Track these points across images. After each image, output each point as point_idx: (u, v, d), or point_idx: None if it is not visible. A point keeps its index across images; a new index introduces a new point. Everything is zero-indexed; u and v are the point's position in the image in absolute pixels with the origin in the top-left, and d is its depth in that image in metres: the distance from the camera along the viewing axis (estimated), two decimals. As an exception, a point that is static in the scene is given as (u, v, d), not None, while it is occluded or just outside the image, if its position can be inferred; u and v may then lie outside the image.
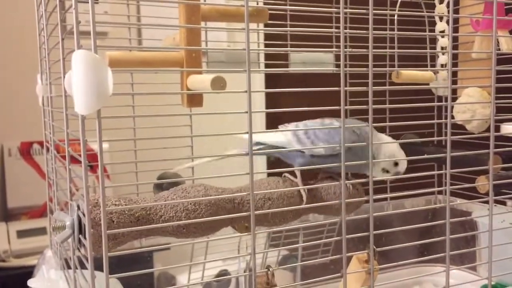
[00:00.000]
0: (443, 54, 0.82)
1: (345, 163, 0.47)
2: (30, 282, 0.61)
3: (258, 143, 0.59)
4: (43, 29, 0.62)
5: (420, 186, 0.90)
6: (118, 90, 0.39)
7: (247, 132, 0.43)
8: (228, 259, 0.89)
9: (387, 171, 0.58)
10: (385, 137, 0.58)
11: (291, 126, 0.60)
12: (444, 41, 0.80)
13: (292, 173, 0.58)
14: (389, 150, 0.57)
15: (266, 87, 1.43)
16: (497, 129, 0.95)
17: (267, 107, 1.42)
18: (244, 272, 0.84)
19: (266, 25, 0.59)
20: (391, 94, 0.94)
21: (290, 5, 0.89)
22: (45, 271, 0.67)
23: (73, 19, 0.37)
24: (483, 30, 0.72)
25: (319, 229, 0.90)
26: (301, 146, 0.57)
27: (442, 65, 0.82)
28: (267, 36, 1.05)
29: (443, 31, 0.80)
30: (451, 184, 0.54)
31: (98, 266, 0.39)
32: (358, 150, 0.52)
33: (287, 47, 0.91)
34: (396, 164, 0.58)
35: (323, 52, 0.90)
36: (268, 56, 1.08)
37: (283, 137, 0.59)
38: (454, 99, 0.78)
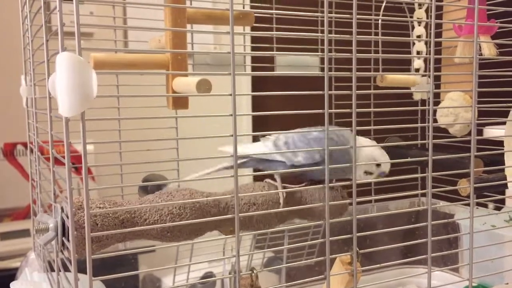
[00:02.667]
0: (418, 58, 0.83)
1: (328, 167, 0.47)
2: (13, 285, 0.61)
3: (242, 157, 0.59)
4: (27, 30, 0.62)
5: (404, 189, 0.91)
6: (103, 92, 0.39)
7: (232, 135, 0.43)
8: (214, 261, 0.89)
9: (370, 173, 0.59)
10: (365, 141, 0.59)
11: (273, 137, 0.60)
12: (420, 46, 0.81)
13: (273, 179, 0.58)
14: (369, 153, 0.59)
15: (253, 90, 1.44)
16: (480, 132, 0.97)
17: (253, 110, 1.42)
18: (229, 274, 0.84)
19: (252, 28, 0.59)
20: (376, 97, 0.95)
21: (276, 8, 0.90)
22: (28, 273, 0.67)
23: (57, 20, 0.37)
24: (465, 35, 0.73)
25: (304, 231, 0.91)
26: (281, 156, 0.57)
27: (416, 70, 0.82)
28: (254, 39, 1.05)
29: (420, 36, 0.81)
30: (434, 187, 0.55)
31: (82, 269, 0.39)
32: (339, 156, 0.53)
33: (273, 50, 0.91)
34: (378, 165, 0.59)
35: (308, 55, 0.91)
36: (254, 59, 1.08)
37: (265, 148, 0.59)
38: (436, 103, 0.79)
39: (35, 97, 0.63)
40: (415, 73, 0.80)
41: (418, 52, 0.82)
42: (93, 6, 1.07)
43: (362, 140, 0.58)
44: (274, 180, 0.58)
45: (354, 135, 0.48)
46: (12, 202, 1.27)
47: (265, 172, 0.58)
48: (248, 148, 0.61)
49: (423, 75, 0.78)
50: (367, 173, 0.59)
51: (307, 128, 0.59)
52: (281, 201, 0.56)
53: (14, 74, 0.83)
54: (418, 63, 0.81)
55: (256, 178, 0.61)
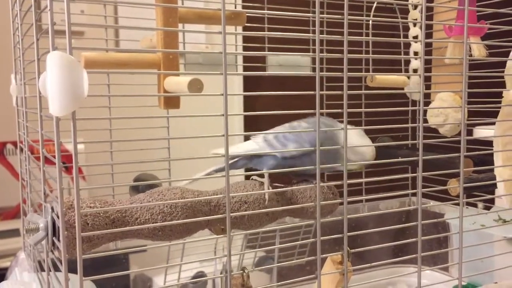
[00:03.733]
0: (415, 59, 0.83)
1: (319, 168, 0.48)
2: (2, 285, 0.60)
3: (233, 157, 0.60)
4: (17, 29, 0.62)
5: (395, 189, 0.92)
6: (94, 91, 0.39)
7: (223, 135, 0.43)
8: (205, 261, 0.89)
9: (354, 162, 0.58)
10: (353, 133, 0.58)
11: (262, 134, 0.61)
12: (417, 46, 0.82)
13: (262, 176, 0.58)
14: (353, 141, 0.57)
15: (245, 89, 1.44)
16: (470, 133, 0.98)
17: (245, 109, 1.42)
18: (221, 273, 0.84)
19: (244, 28, 0.59)
20: (367, 97, 0.96)
21: (268, 9, 0.90)
22: (18, 273, 0.66)
23: (48, 19, 0.37)
24: (455, 36, 0.73)
25: (295, 231, 0.91)
26: (272, 149, 0.58)
27: (414, 70, 0.83)
28: (245, 39, 1.05)
29: (416, 37, 0.82)
30: (424, 187, 0.55)
31: (72, 269, 0.39)
32: (328, 148, 0.53)
33: (265, 50, 0.91)
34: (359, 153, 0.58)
35: (300, 55, 0.91)
36: (246, 59, 1.08)
37: (255, 145, 0.60)
38: (427, 103, 0.80)
39: (25, 96, 0.62)
40: (404, 73, 0.81)
41: (415, 53, 0.83)
42: (84, 4, 1.06)
43: (351, 133, 0.57)
44: (262, 177, 0.58)
45: (345, 135, 0.48)
46: (1, 201, 1.26)
47: (256, 172, 0.58)
48: (238, 147, 0.61)
49: (411, 75, 0.79)
50: (353, 162, 0.57)
51: (296, 122, 0.59)
52: (266, 197, 0.56)
53: (4, 72, 0.82)
54: (415, 63, 0.82)
55: (248, 177, 0.61)
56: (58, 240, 0.42)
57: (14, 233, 1.16)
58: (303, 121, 0.58)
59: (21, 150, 0.70)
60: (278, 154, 0.58)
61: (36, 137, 0.49)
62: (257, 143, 0.60)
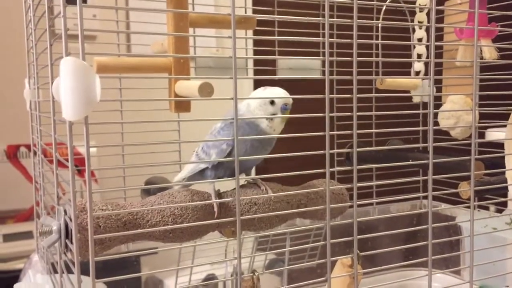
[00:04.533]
0: (418, 61, 0.83)
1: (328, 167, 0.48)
2: (16, 286, 0.61)
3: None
4: (31, 34, 0.63)
5: (406, 191, 0.91)
6: (106, 95, 0.39)
7: (233, 138, 0.44)
8: (216, 263, 0.89)
9: (273, 115, 0.53)
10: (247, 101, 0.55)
11: (197, 148, 0.59)
12: (420, 48, 0.81)
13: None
14: (257, 100, 0.53)
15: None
16: (482, 135, 0.97)
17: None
18: (231, 276, 0.85)
19: (255, 32, 0.59)
20: (377, 100, 0.95)
21: (278, 12, 0.90)
22: (31, 275, 0.67)
23: (61, 25, 0.38)
24: (466, 39, 0.73)
25: (306, 234, 0.91)
26: (203, 164, 0.56)
27: (417, 72, 0.82)
28: (256, 42, 1.06)
29: (420, 39, 0.82)
30: (435, 190, 0.55)
31: (84, 271, 0.40)
32: (254, 141, 0.51)
33: (275, 53, 0.92)
34: (272, 102, 0.53)
35: (310, 59, 0.91)
36: (256, 62, 1.09)
37: (193, 164, 0.57)
38: (438, 106, 0.79)
39: (39, 101, 0.63)
40: (415, 77, 0.81)
41: (418, 55, 0.82)
42: (96, 9, 1.07)
43: (246, 101, 0.54)
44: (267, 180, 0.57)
45: (355, 140, 0.48)
46: (15, 203, 1.27)
47: (263, 176, 0.58)
48: (183, 172, 0.59)
49: (424, 78, 0.78)
50: (270, 119, 0.53)
51: (217, 124, 0.56)
52: (265, 189, 0.54)
53: (18, 77, 0.84)
54: (418, 65, 0.82)
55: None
56: (71, 242, 0.43)
57: (28, 235, 1.17)
58: (220, 122, 0.55)
59: (35, 153, 0.71)
60: (209, 165, 0.55)
61: (49, 140, 0.50)
62: (196, 159, 0.57)
